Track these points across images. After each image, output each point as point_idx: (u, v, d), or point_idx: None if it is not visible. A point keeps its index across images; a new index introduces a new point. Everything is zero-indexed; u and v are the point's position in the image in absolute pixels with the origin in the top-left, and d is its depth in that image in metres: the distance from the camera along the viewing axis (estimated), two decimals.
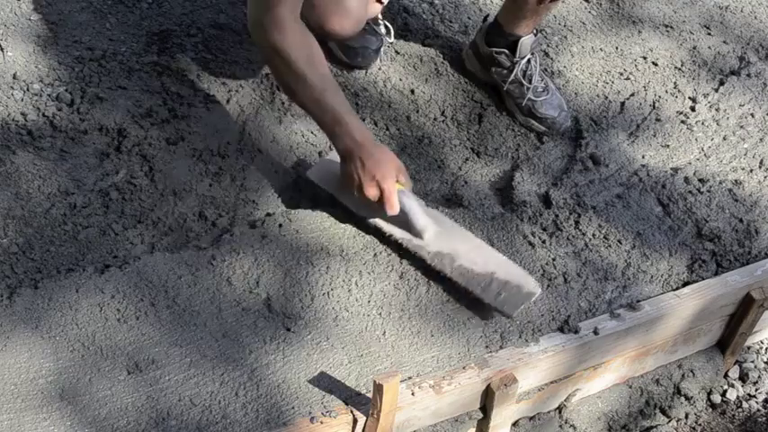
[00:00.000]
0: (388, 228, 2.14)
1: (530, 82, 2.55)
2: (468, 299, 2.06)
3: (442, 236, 2.12)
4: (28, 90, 2.44)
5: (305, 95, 2.11)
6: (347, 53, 2.62)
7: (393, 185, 2.08)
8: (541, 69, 2.61)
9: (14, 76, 2.46)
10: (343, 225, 2.20)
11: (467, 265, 2.07)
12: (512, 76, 2.55)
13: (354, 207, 2.18)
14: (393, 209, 2.08)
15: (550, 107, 2.56)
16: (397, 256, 2.15)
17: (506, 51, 2.54)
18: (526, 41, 2.52)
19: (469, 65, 2.68)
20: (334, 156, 2.19)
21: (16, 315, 1.92)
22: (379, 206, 2.10)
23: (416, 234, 2.11)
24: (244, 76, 2.56)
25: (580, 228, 2.30)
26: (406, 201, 2.10)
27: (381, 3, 2.43)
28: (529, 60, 2.55)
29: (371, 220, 2.16)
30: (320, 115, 2.12)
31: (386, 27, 2.62)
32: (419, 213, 2.11)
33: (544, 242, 2.25)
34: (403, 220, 2.12)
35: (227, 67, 2.58)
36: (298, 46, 2.08)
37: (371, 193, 2.08)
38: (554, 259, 2.22)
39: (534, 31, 2.54)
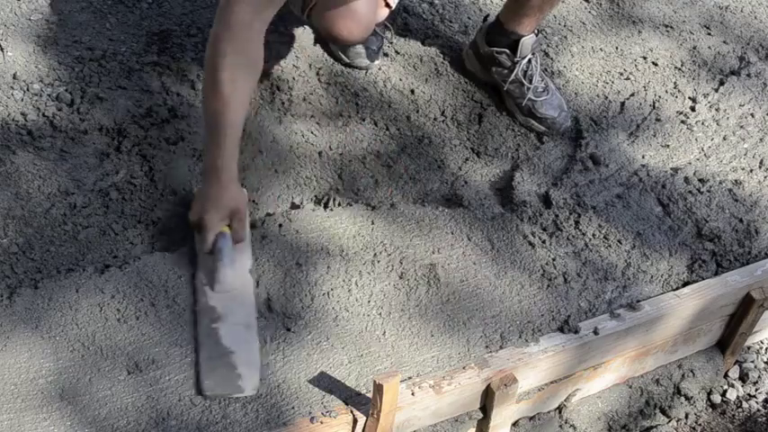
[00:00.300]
0: (200, 261, 2.05)
1: (530, 82, 2.55)
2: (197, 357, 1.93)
3: (227, 297, 1.99)
4: (28, 90, 2.44)
5: (209, 103, 2.03)
6: (347, 53, 2.62)
7: (214, 222, 2.01)
8: (542, 69, 2.61)
9: (14, 76, 2.46)
10: (343, 225, 2.20)
11: (219, 332, 1.94)
12: (512, 76, 2.55)
13: (196, 235, 2.10)
14: (203, 245, 2.02)
15: (550, 107, 2.56)
16: (396, 256, 2.15)
17: (507, 51, 2.54)
18: (527, 41, 2.52)
19: (469, 65, 2.68)
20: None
21: (16, 315, 1.92)
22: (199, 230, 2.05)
23: (210, 281, 2.01)
24: None
25: (580, 228, 2.30)
26: (222, 247, 2.00)
27: (390, 7, 2.43)
28: (529, 60, 2.55)
29: (197, 252, 2.07)
30: (208, 128, 2.05)
31: (385, 26, 2.62)
32: (223, 264, 1.99)
33: (544, 242, 2.25)
34: (211, 263, 2.02)
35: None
36: (233, 53, 1.99)
37: (192, 218, 2.06)
38: (554, 259, 2.22)
39: (535, 31, 2.54)
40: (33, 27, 2.61)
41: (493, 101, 2.63)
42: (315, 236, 2.17)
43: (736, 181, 2.50)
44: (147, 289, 2.01)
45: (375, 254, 2.15)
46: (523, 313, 2.10)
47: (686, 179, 2.47)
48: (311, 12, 2.28)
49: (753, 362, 2.56)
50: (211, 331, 1.94)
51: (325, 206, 2.26)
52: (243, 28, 2.00)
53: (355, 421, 1.89)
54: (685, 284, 2.26)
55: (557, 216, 2.31)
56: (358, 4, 2.24)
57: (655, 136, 2.60)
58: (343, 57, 2.63)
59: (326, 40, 2.29)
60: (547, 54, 2.78)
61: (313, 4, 2.26)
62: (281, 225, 2.18)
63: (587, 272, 2.21)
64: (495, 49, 2.55)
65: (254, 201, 2.30)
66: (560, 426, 2.28)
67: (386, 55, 2.69)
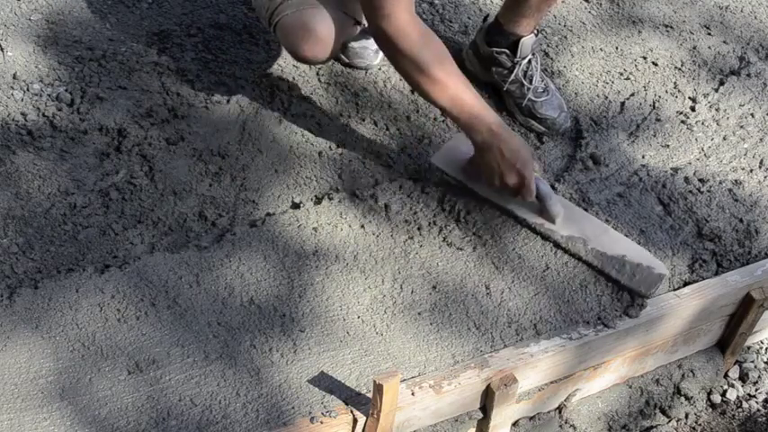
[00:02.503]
0: (522, 213, 2.23)
1: (530, 82, 2.55)
2: (603, 277, 2.16)
3: (572, 221, 2.22)
4: (28, 90, 2.44)
5: (440, 95, 2.15)
6: (347, 53, 2.62)
7: (532, 173, 2.17)
8: (542, 70, 2.61)
9: (14, 76, 2.46)
10: (343, 225, 2.20)
11: (599, 249, 2.18)
12: (512, 77, 2.55)
13: (486, 193, 2.26)
14: (531, 194, 2.18)
15: (550, 108, 2.56)
16: (397, 256, 2.15)
17: (507, 51, 2.54)
18: (527, 41, 2.52)
19: (469, 65, 2.68)
20: (456, 142, 2.33)
21: (16, 315, 1.92)
22: (514, 192, 2.19)
23: (549, 219, 2.21)
24: (244, 76, 2.56)
25: None
26: (542, 187, 2.19)
27: (360, 24, 2.41)
28: (530, 61, 2.54)
29: (505, 206, 2.25)
30: (456, 112, 2.16)
31: None
32: (553, 200, 2.20)
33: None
34: (536, 206, 2.22)
35: (227, 67, 2.58)
36: (424, 48, 2.12)
37: (513, 180, 2.16)
38: (556, 257, 2.22)
39: (535, 32, 2.54)
40: (33, 27, 2.61)
41: (493, 101, 2.63)
42: (315, 236, 2.17)
43: (736, 181, 2.50)
44: (148, 289, 2.01)
45: (375, 254, 2.15)
46: (524, 313, 2.10)
47: (686, 179, 2.47)
48: (275, 28, 2.28)
49: (753, 362, 2.56)
50: (594, 253, 2.18)
51: (319, 201, 2.26)
52: (409, 26, 2.12)
53: (355, 421, 1.89)
54: (685, 284, 2.26)
55: None
56: (319, 27, 2.22)
57: (655, 136, 2.60)
58: (342, 57, 2.63)
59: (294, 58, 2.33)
60: (547, 54, 2.78)
61: (277, 20, 2.26)
62: (281, 225, 2.18)
63: (588, 269, 2.21)
64: (495, 49, 2.55)
65: (254, 201, 2.30)
66: (560, 426, 2.28)
67: None
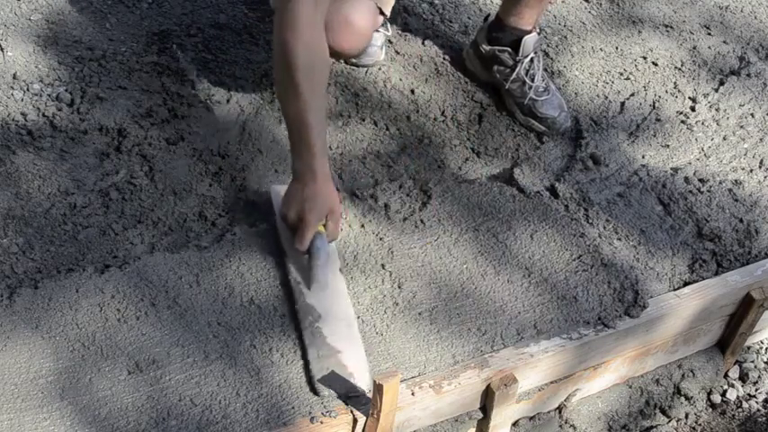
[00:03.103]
0: (290, 263, 2.08)
1: (532, 81, 2.54)
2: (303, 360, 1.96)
3: (325, 296, 2.02)
4: (28, 90, 2.44)
5: (290, 104, 2.05)
6: None
7: (313, 221, 2.02)
8: (543, 69, 2.61)
9: (14, 76, 2.46)
10: (343, 225, 2.20)
11: (323, 332, 1.96)
12: (514, 75, 2.55)
13: (282, 233, 2.13)
14: (301, 243, 2.02)
15: (551, 107, 2.56)
16: (397, 256, 2.15)
17: (509, 50, 2.54)
18: (529, 40, 2.52)
19: (470, 64, 2.68)
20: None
21: (16, 315, 1.92)
22: (294, 238, 2.05)
23: (306, 280, 2.03)
24: (244, 76, 2.56)
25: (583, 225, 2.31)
26: (319, 246, 2.02)
27: (384, 15, 2.42)
28: (531, 59, 2.54)
29: (287, 250, 2.10)
30: (294, 129, 2.06)
31: (385, 22, 2.62)
32: (320, 263, 2.02)
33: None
34: (306, 262, 2.04)
35: (227, 67, 2.58)
36: (304, 52, 2.00)
37: (292, 218, 2.05)
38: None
39: (537, 30, 2.54)
40: (33, 27, 2.61)
41: (493, 101, 2.63)
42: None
43: (736, 181, 2.50)
44: (148, 289, 2.01)
45: (375, 254, 2.15)
46: (524, 313, 2.10)
47: (686, 179, 2.47)
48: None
49: (753, 362, 2.56)
50: (315, 330, 1.96)
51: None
52: (307, 26, 2.02)
53: (355, 421, 1.89)
54: (685, 284, 2.26)
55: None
56: (359, 19, 2.22)
57: (655, 136, 2.61)
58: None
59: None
60: (547, 54, 2.79)
61: None
62: (281, 225, 2.18)
63: (589, 269, 2.21)
64: (498, 47, 2.55)
65: (254, 201, 2.30)
66: (560, 426, 2.28)
67: (390, 42, 2.69)
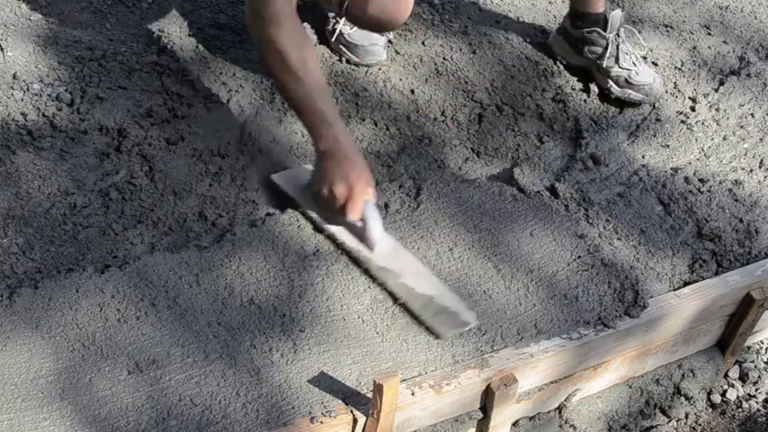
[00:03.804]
0: (342, 235, 2.14)
1: (626, 54, 2.63)
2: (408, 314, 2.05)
3: (392, 254, 2.12)
4: (28, 90, 2.44)
5: (296, 93, 2.13)
6: (357, 52, 2.63)
7: (362, 190, 2.09)
8: (630, 41, 2.68)
9: (14, 76, 2.46)
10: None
11: (409, 284, 2.07)
12: (607, 53, 2.63)
13: (315, 211, 2.18)
14: (356, 212, 2.09)
15: (645, 75, 2.65)
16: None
17: (598, 29, 2.62)
18: (615, 15, 2.61)
19: (558, 50, 2.76)
20: (298, 171, 2.28)
21: (16, 315, 1.92)
22: (340, 211, 2.11)
23: (369, 246, 2.11)
24: (244, 76, 2.56)
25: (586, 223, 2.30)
26: (369, 211, 2.11)
27: None
28: (618, 34, 2.63)
29: (328, 227, 2.15)
30: (308, 114, 2.13)
31: None
32: (377, 226, 2.11)
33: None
34: (359, 231, 2.12)
35: (227, 67, 2.58)
36: (294, 43, 2.10)
37: (340, 191, 2.10)
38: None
39: (621, 8, 2.65)
40: (33, 27, 2.61)
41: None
42: (315, 236, 2.17)
43: (736, 181, 2.50)
44: (147, 289, 2.01)
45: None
46: (524, 313, 2.10)
47: (686, 179, 2.47)
48: (349, 4, 2.29)
49: (753, 362, 2.56)
50: (404, 287, 2.06)
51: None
52: (284, 16, 2.11)
53: (355, 421, 1.89)
54: (685, 284, 2.26)
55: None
56: None
57: (655, 136, 2.61)
58: (352, 57, 2.64)
59: (368, 28, 2.32)
60: (550, 54, 2.79)
61: None
62: (281, 225, 2.18)
63: (589, 269, 2.21)
64: (586, 29, 2.64)
65: (253, 201, 2.30)
66: (560, 426, 2.28)
67: (390, 42, 2.70)
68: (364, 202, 2.11)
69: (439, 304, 2.05)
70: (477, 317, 2.04)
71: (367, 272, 2.10)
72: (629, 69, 2.63)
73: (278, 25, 2.09)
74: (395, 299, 2.06)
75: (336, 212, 2.13)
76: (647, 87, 2.64)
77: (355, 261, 2.12)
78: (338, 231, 2.15)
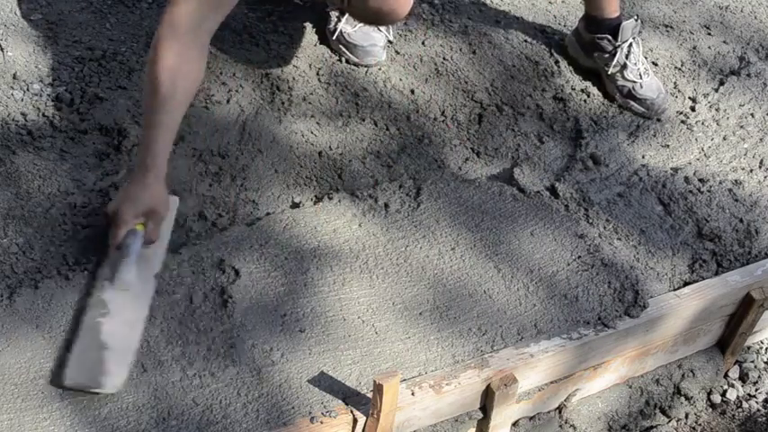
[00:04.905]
0: (108, 255, 2.03)
1: (633, 65, 2.64)
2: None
3: (123, 296, 1.95)
4: (28, 90, 2.44)
5: (148, 101, 2.04)
6: (356, 53, 2.63)
7: (128, 217, 1.99)
8: (643, 53, 2.68)
9: (14, 76, 2.46)
10: (344, 225, 2.20)
11: (101, 327, 1.90)
12: (614, 61, 2.64)
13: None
14: (113, 238, 1.99)
15: (650, 90, 2.65)
16: (397, 256, 2.15)
17: (608, 37, 2.63)
18: (627, 25, 2.62)
19: (572, 51, 2.77)
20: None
21: (17, 315, 1.92)
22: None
23: (111, 276, 1.98)
24: (244, 76, 2.56)
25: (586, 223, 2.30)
26: (130, 243, 1.98)
27: None
28: (630, 44, 2.63)
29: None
30: (145, 125, 2.06)
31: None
32: (128, 261, 1.97)
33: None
34: (114, 258, 2.00)
35: (227, 67, 2.58)
36: (173, 54, 2.01)
37: (108, 210, 2.03)
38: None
39: (635, 16, 2.64)
40: (33, 27, 2.61)
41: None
42: (315, 236, 2.17)
43: (736, 181, 2.50)
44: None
45: (375, 254, 2.15)
46: (524, 312, 2.10)
47: (686, 179, 2.47)
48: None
49: (753, 362, 2.56)
50: (94, 324, 1.90)
51: (319, 201, 2.26)
52: (187, 31, 2.03)
53: (355, 421, 1.89)
54: (685, 284, 2.26)
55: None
56: None
57: (655, 136, 2.61)
58: (352, 57, 2.64)
59: (369, 22, 2.30)
60: (550, 53, 2.79)
61: None
62: (281, 225, 2.18)
63: (589, 269, 2.21)
64: (597, 35, 2.65)
65: (254, 201, 2.30)
66: (560, 426, 2.28)
67: (390, 42, 2.70)
68: (130, 231, 1.99)
69: (99, 357, 1.85)
70: (116, 387, 1.82)
71: (82, 298, 1.96)
72: (633, 82, 2.64)
73: (165, 34, 2.01)
74: (72, 332, 1.90)
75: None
76: (649, 102, 2.64)
77: (94, 281, 2.00)
78: (109, 254, 2.03)
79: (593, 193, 2.40)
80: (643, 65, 2.67)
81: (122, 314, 1.93)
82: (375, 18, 2.28)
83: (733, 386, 2.51)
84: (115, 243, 2.00)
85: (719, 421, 2.46)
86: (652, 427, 2.41)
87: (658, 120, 2.65)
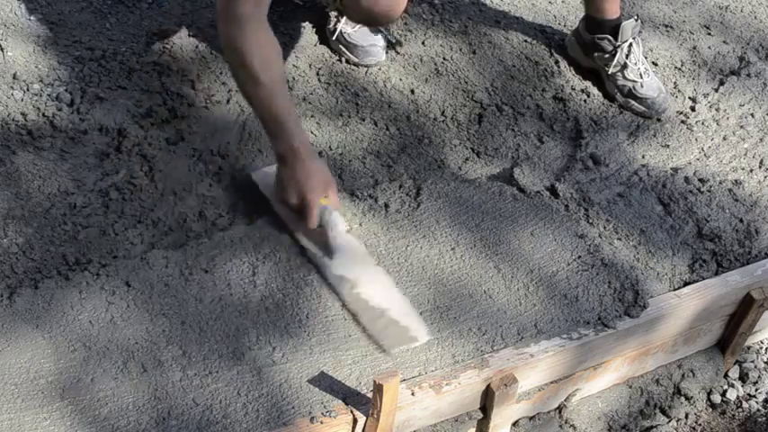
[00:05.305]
0: (304, 240, 2.13)
1: (633, 64, 2.64)
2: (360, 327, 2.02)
3: (350, 262, 2.09)
4: (28, 90, 2.44)
5: (254, 96, 2.11)
6: (356, 53, 2.63)
7: (316, 199, 2.08)
8: (643, 53, 2.68)
9: (14, 76, 2.46)
10: (345, 226, 2.20)
11: (363, 296, 2.04)
12: (614, 61, 2.64)
13: (284, 215, 2.17)
14: (311, 220, 2.08)
15: (650, 89, 2.65)
16: (397, 256, 2.15)
17: (609, 37, 2.63)
18: (627, 26, 2.62)
19: (572, 51, 2.77)
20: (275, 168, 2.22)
21: (17, 315, 1.92)
22: (301, 217, 2.11)
23: (328, 253, 2.09)
24: None
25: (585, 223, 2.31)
26: (329, 218, 2.08)
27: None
28: (630, 44, 2.64)
29: (294, 230, 2.14)
30: (265, 117, 2.12)
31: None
32: (337, 233, 2.08)
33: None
34: (319, 237, 2.10)
35: (227, 67, 2.58)
36: (256, 44, 2.07)
37: (293, 201, 2.10)
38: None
39: (635, 16, 2.64)
40: (33, 27, 2.61)
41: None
42: None
43: (736, 181, 2.50)
44: (147, 289, 2.01)
45: (376, 254, 2.15)
46: (524, 312, 2.10)
47: (686, 179, 2.47)
48: None
49: (753, 362, 2.56)
50: (357, 298, 2.03)
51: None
52: (251, 20, 2.08)
53: (355, 421, 1.89)
54: (685, 284, 2.26)
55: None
56: None
57: (655, 136, 2.61)
58: (352, 57, 2.64)
59: (362, 22, 2.29)
60: (550, 53, 2.79)
61: None
62: (281, 225, 2.17)
63: (589, 269, 2.21)
64: (597, 35, 2.65)
65: (253, 201, 2.29)
66: (560, 426, 2.28)
67: (391, 43, 2.70)
68: (321, 208, 2.08)
69: (390, 318, 2.01)
70: (429, 332, 1.99)
71: (325, 280, 2.07)
72: (634, 81, 2.64)
73: (240, 26, 2.07)
74: (347, 309, 2.02)
75: (299, 218, 2.12)
76: (650, 101, 2.64)
77: (315, 265, 2.10)
78: (301, 236, 2.13)
79: (594, 193, 2.40)
80: (643, 65, 2.67)
81: (364, 277, 2.07)
82: (368, 19, 2.28)
83: (733, 386, 2.51)
84: (315, 225, 2.09)
85: (719, 421, 2.46)
86: (652, 427, 2.41)
87: (658, 119, 2.65)
